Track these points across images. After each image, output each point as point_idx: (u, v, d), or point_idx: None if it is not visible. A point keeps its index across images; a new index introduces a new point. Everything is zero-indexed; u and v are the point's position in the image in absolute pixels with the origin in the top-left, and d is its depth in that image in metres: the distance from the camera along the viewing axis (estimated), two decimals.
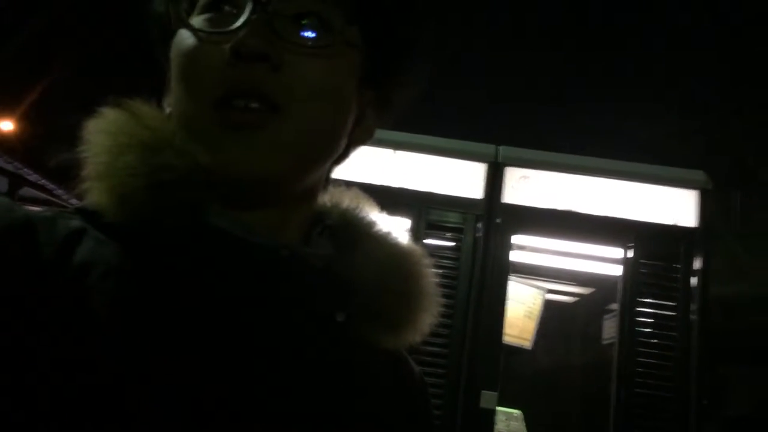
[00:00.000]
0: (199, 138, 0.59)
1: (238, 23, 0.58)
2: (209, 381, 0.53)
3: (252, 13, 0.58)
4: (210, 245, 0.59)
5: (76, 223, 0.57)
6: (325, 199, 0.73)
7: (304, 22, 0.61)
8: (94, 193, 0.58)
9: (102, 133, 0.60)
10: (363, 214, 0.73)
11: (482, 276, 2.69)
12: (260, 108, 0.58)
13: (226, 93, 0.58)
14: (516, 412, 3.04)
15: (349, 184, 0.75)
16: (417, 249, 0.72)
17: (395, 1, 0.67)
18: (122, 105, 0.61)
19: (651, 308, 2.70)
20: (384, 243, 0.71)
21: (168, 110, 0.66)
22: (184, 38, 0.61)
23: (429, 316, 0.70)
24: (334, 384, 0.61)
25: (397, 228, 0.73)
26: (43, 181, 7.04)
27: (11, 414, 0.47)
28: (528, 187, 2.82)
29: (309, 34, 0.60)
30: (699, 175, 2.82)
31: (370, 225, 0.72)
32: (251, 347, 0.57)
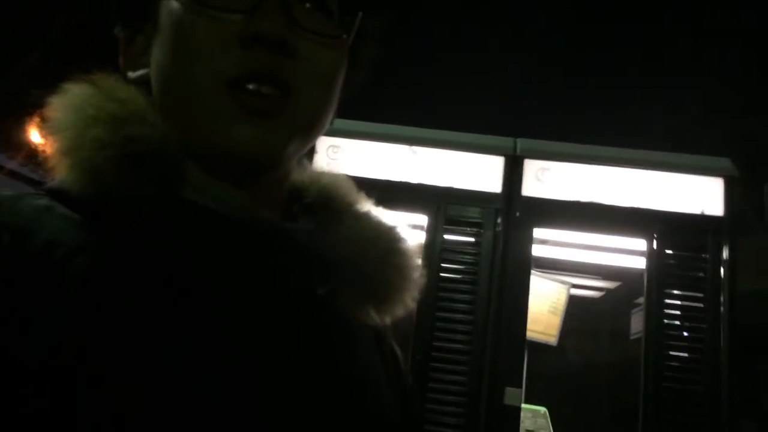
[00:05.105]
0: (211, 116, 0.58)
1: (254, 2, 0.57)
2: (185, 363, 0.51)
3: None
4: (185, 220, 0.57)
5: (42, 201, 0.55)
6: (303, 176, 0.73)
7: (307, 5, 0.60)
8: (62, 170, 0.56)
9: (67, 108, 0.58)
10: (343, 192, 0.73)
11: (503, 271, 2.65)
12: (274, 92, 0.58)
13: (242, 75, 0.57)
14: (542, 409, 2.99)
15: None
16: (398, 227, 0.71)
17: None
18: (86, 79, 0.59)
19: (678, 300, 2.64)
20: (365, 219, 0.70)
21: (134, 75, 0.64)
22: (188, 10, 0.58)
23: (412, 291, 0.69)
24: (319, 358, 0.60)
25: (376, 208, 0.73)
26: None
27: None
28: (548, 179, 2.77)
29: (319, 21, 0.61)
30: (724, 162, 2.74)
31: (351, 203, 0.72)
32: (229, 324, 0.55)
